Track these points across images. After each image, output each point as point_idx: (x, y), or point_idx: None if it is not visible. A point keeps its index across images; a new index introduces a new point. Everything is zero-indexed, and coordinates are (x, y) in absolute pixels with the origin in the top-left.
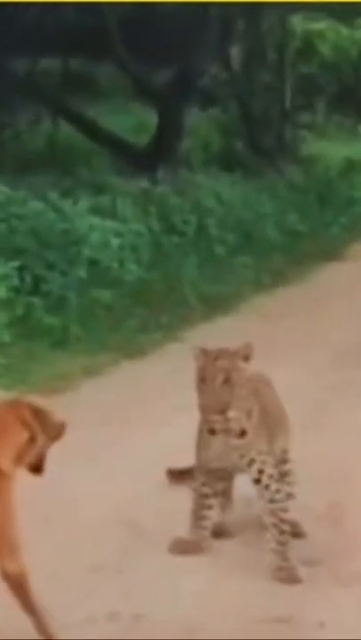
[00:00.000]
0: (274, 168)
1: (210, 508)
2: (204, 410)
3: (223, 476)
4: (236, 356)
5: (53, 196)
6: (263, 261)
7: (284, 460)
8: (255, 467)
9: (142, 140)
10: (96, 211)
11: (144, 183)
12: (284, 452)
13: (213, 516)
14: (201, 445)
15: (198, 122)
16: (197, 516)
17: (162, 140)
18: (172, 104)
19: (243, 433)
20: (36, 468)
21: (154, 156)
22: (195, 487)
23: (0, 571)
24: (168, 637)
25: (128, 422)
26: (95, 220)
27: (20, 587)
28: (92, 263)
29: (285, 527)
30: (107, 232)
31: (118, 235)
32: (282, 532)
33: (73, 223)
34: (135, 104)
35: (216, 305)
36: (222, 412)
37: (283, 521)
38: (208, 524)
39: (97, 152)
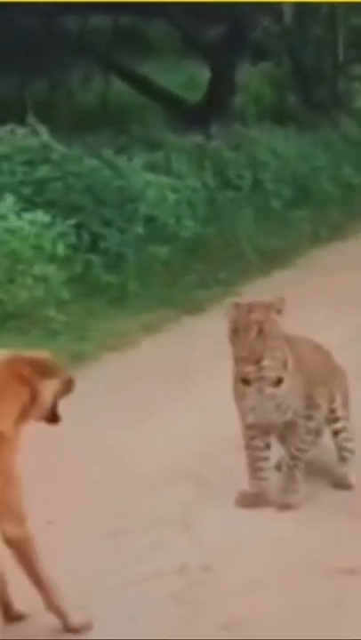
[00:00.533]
0: (328, 121)
1: (264, 459)
2: (238, 361)
3: (268, 430)
4: (270, 309)
5: (108, 153)
6: (319, 215)
7: (334, 419)
8: (288, 416)
9: (194, 96)
10: (151, 167)
11: (198, 139)
12: (332, 410)
13: (268, 466)
14: (238, 398)
15: (250, 76)
16: (253, 469)
17: (214, 95)
18: (223, 59)
19: (279, 381)
20: (52, 419)
21: (207, 112)
22: (245, 442)
23: (3, 537)
24: (236, 589)
25: (188, 378)
26: (150, 177)
27: (23, 554)
28: (149, 220)
29: (301, 455)
30: (163, 188)
31: (174, 190)
32: (295, 467)
33: (129, 180)
34: (186, 60)
35: (273, 259)
36: (257, 362)
37: (301, 450)
38: (265, 475)
39: (150, 108)
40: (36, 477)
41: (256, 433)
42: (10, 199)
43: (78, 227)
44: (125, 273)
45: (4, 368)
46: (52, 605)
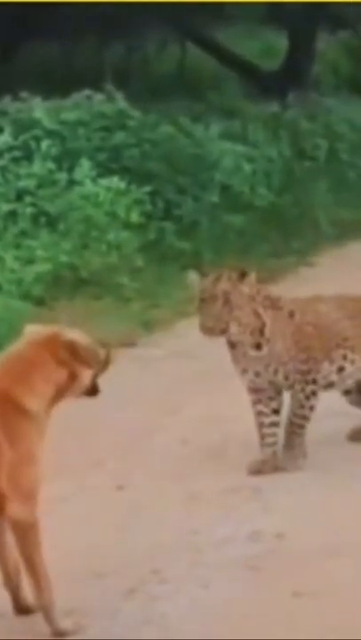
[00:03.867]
0: None
1: (271, 425)
2: (205, 330)
3: (272, 395)
4: (237, 280)
5: (184, 121)
6: None
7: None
8: (280, 375)
9: (270, 64)
10: (227, 136)
11: (274, 108)
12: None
13: (276, 431)
14: (233, 363)
15: (328, 46)
16: (260, 435)
17: (292, 63)
18: (303, 27)
19: (258, 345)
20: (91, 393)
21: (284, 81)
22: (252, 407)
23: (7, 516)
24: (311, 558)
25: None
26: (227, 145)
27: (24, 538)
28: (224, 188)
29: (302, 422)
30: (238, 157)
31: (250, 160)
32: (296, 428)
33: (204, 148)
34: (263, 28)
35: (347, 230)
36: (222, 332)
37: (300, 417)
38: (271, 440)
39: (226, 76)
40: (106, 443)
41: (259, 397)
42: (86, 165)
43: (153, 194)
44: (199, 241)
45: (40, 346)
46: (40, 601)
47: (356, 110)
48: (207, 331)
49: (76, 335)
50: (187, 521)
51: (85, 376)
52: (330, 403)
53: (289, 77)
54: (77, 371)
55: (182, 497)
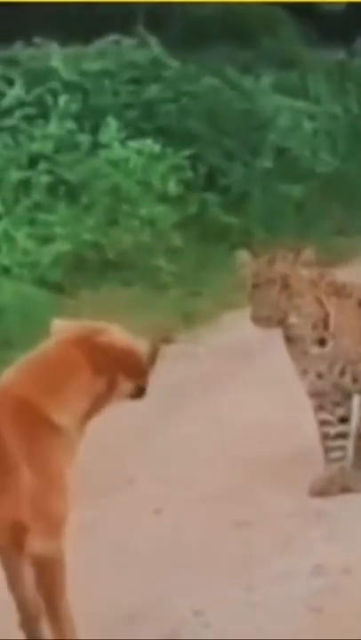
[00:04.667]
0: None
1: (337, 436)
2: (258, 320)
3: (339, 400)
4: (296, 261)
5: (231, 71)
6: None
7: None
8: (348, 377)
9: (332, 4)
10: (283, 89)
11: (340, 55)
12: None
13: (345, 444)
14: (292, 361)
15: None
16: (325, 448)
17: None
18: None
19: (322, 341)
20: (136, 396)
21: (350, 23)
22: (314, 415)
23: (28, 552)
24: None
25: None
26: (282, 100)
27: (48, 575)
28: (279, 152)
29: None
30: (296, 114)
31: (310, 117)
32: None
33: (255, 104)
34: None
35: None
36: (281, 322)
37: None
38: (337, 455)
39: (280, 19)
40: (139, 458)
41: (322, 403)
42: (113, 125)
43: (194, 159)
44: (249, 215)
45: (73, 348)
46: None
47: None
48: (261, 321)
49: (115, 334)
50: (236, 552)
51: (128, 383)
52: None
53: (356, 19)
54: (118, 377)
55: (231, 523)
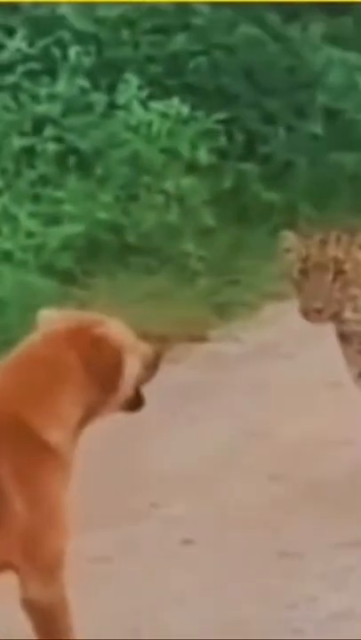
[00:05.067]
0: None
1: None
2: (307, 312)
3: None
4: (353, 243)
5: (273, 19)
6: None
7: None
8: None
9: None
10: (334, 39)
11: None
12: None
13: None
14: (345, 362)
15: None
16: None
17: None
18: None
19: None
20: (133, 407)
21: None
22: None
23: (22, 598)
24: None
25: None
26: (334, 53)
27: (48, 622)
28: (331, 115)
29: None
30: (352, 70)
31: None
32: None
33: (302, 57)
34: None
35: None
36: (335, 315)
37: None
38: None
39: None
40: (163, 479)
41: None
42: (133, 82)
43: (229, 123)
44: (294, 190)
45: (63, 345)
46: None
47: None
48: (312, 315)
49: (113, 327)
50: (281, 589)
51: (126, 384)
52: None
53: None
54: (115, 378)
55: (274, 555)
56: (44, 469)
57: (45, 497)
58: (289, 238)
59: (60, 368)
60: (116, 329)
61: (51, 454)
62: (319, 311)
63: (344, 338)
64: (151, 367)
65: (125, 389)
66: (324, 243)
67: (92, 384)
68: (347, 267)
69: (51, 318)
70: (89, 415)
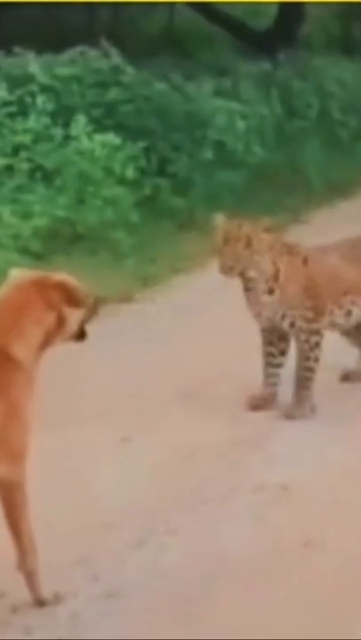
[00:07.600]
0: None
1: (276, 366)
2: (224, 269)
3: (283, 336)
4: (259, 227)
5: (177, 78)
6: None
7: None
8: (287, 321)
9: (259, 24)
10: (219, 93)
11: (265, 66)
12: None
13: (280, 372)
14: (248, 305)
15: (318, 6)
16: (264, 373)
17: (282, 23)
18: None
19: (271, 290)
20: (78, 338)
21: (274, 39)
22: (262, 347)
23: None
24: (316, 507)
25: None
26: (220, 103)
27: (9, 498)
28: (218, 145)
29: (308, 374)
30: (232, 114)
31: (243, 117)
32: (303, 380)
33: (198, 105)
34: None
35: (338, 189)
36: (241, 273)
37: (306, 369)
38: (274, 380)
39: (216, 35)
40: (104, 397)
41: (270, 338)
42: (81, 120)
43: (147, 150)
44: (193, 197)
45: (28, 289)
46: (23, 565)
47: (346, 70)
48: (227, 270)
49: (64, 277)
50: (192, 474)
51: (75, 319)
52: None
53: (279, 36)
54: (66, 313)
55: (179, 455)
56: (12, 377)
57: (12, 397)
58: (218, 219)
59: (26, 305)
60: (67, 278)
61: (17, 367)
62: (231, 268)
63: (247, 289)
64: (92, 310)
65: (74, 323)
66: (240, 224)
67: (49, 315)
68: (254, 241)
69: (18, 275)
70: (47, 340)
